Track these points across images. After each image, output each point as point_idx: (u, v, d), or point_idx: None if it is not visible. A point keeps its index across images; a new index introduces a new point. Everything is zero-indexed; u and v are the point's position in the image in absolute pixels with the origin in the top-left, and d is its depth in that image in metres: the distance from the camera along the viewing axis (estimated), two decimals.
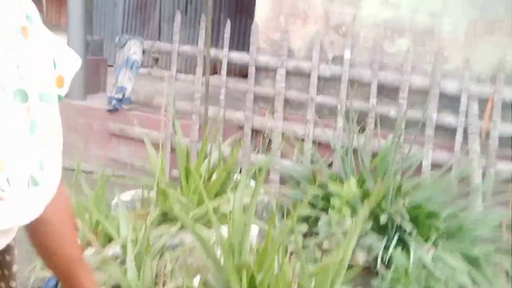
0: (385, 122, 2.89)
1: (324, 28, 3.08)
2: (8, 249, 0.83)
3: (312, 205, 2.32)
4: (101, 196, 2.09)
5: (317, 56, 3.01)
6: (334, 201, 1.98)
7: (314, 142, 2.98)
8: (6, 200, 0.61)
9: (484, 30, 2.74)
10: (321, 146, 2.96)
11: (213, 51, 3.26)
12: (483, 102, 2.74)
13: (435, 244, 2.13)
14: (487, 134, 2.71)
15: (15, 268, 0.87)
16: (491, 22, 2.71)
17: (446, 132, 2.83)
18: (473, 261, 2.10)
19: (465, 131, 2.75)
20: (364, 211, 1.54)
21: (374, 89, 2.91)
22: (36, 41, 0.67)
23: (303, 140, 3.01)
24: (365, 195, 2.10)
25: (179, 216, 1.76)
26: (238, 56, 3.24)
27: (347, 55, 2.96)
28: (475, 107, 2.74)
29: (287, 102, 3.13)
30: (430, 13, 2.82)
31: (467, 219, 2.28)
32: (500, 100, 2.69)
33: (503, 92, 2.69)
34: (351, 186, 1.98)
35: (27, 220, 0.65)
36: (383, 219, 2.06)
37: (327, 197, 2.26)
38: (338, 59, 3.03)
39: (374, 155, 2.64)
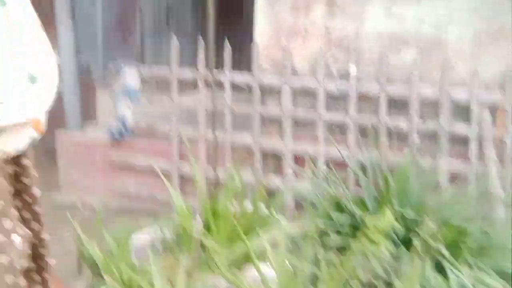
0: (396, 135, 2.87)
1: (327, 44, 3.04)
2: (42, 241, 0.89)
3: (338, 232, 2.28)
4: (124, 245, 2.01)
5: (321, 73, 2.97)
6: (368, 232, 1.94)
7: (327, 162, 2.94)
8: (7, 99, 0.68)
9: (490, 40, 2.74)
10: (334, 164, 2.92)
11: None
12: (493, 110, 2.74)
13: (468, 264, 2.10)
14: (502, 141, 2.71)
15: (49, 261, 0.92)
16: (496, 32, 2.71)
17: (459, 142, 2.82)
18: (508, 278, 2.09)
19: (478, 140, 2.74)
20: (415, 251, 1.49)
21: (383, 103, 2.88)
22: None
23: (313, 160, 2.97)
24: (405, 226, 2.06)
25: (218, 267, 1.69)
26: (241, 78, 3.17)
27: (353, 70, 2.93)
28: (487, 115, 2.74)
29: (294, 122, 3.08)
30: (436, 24, 2.80)
31: (495, 233, 2.27)
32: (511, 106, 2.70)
33: None
34: (388, 218, 1.94)
35: (28, 115, 0.71)
36: (416, 243, 2.03)
37: (354, 224, 2.22)
38: (343, 75, 2.99)
39: (391, 171, 2.62)
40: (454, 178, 2.73)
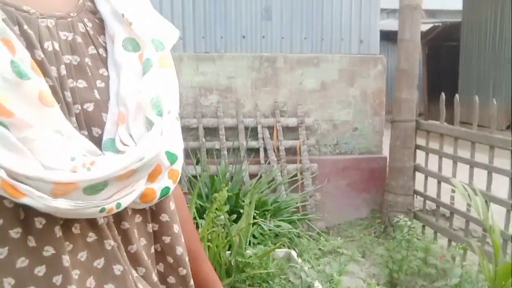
0: (212, 152, 4.15)
1: None
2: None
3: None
4: None
5: None
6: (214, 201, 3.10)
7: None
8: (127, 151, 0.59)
9: (261, 84, 4.29)
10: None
11: None
12: (270, 129, 4.27)
13: (269, 219, 3.45)
14: (278, 148, 4.24)
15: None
16: (264, 79, 4.27)
17: (253, 152, 4.25)
18: (290, 223, 3.51)
19: (264, 150, 4.21)
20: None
21: (201, 131, 4.13)
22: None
23: None
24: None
25: None
26: None
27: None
28: (266, 133, 4.24)
29: None
30: (228, 76, 4.22)
31: (282, 201, 3.69)
32: (280, 126, 4.26)
33: (281, 121, 4.26)
34: (223, 194, 3.12)
35: (135, 165, 0.57)
36: (240, 210, 3.27)
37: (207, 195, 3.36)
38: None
39: (211, 177, 3.86)
40: (253, 175, 4.11)
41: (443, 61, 12.72)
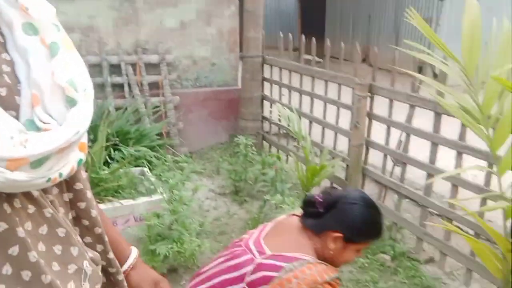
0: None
1: None
2: (110, 261, 0.88)
3: None
4: None
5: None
6: None
7: None
8: (52, 129, 0.64)
9: (122, 23, 4.59)
10: None
11: None
12: (134, 66, 4.64)
13: (131, 145, 3.93)
14: (141, 83, 4.65)
15: (119, 277, 0.91)
16: (124, 18, 4.58)
17: (118, 87, 4.61)
18: (153, 148, 4.03)
19: (129, 85, 4.60)
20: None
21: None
22: None
23: None
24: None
25: None
26: None
27: None
28: (130, 69, 4.61)
29: None
30: (90, 15, 4.45)
31: (145, 130, 4.18)
32: (143, 62, 4.64)
33: (143, 58, 4.64)
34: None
35: (73, 138, 0.65)
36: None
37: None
38: None
39: None
40: (118, 108, 4.50)
41: (315, 1, 13.60)
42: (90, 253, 0.81)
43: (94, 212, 0.82)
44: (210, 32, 4.98)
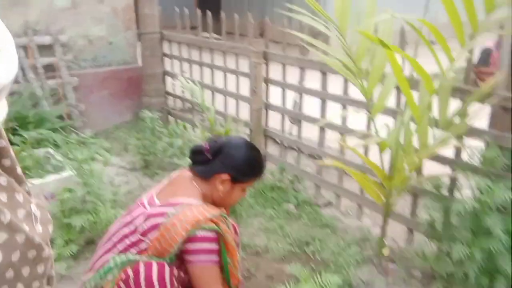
0: None
1: None
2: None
3: None
4: None
5: None
6: None
7: None
8: None
9: (10, 4, 4.37)
10: None
11: None
12: (25, 48, 4.46)
13: (31, 129, 3.84)
14: (35, 66, 4.48)
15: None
16: (11, 0, 4.37)
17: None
18: (54, 131, 3.96)
19: (22, 69, 4.42)
20: None
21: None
22: None
23: None
24: None
25: None
26: None
27: None
28: (21, 52, 4.42)
29: None
30: None
31: (44, 113, 4.08)
32: (35, 44, 4.47)
33: (35, 40, 4.48)
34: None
35: None
36: None
37: None
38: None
39: None
40: (13, 93, 4.32)
41: None
42: (34, 199, 0.83)
43: (19, 170, 0.83)
44: (104, 10, 4.91)
